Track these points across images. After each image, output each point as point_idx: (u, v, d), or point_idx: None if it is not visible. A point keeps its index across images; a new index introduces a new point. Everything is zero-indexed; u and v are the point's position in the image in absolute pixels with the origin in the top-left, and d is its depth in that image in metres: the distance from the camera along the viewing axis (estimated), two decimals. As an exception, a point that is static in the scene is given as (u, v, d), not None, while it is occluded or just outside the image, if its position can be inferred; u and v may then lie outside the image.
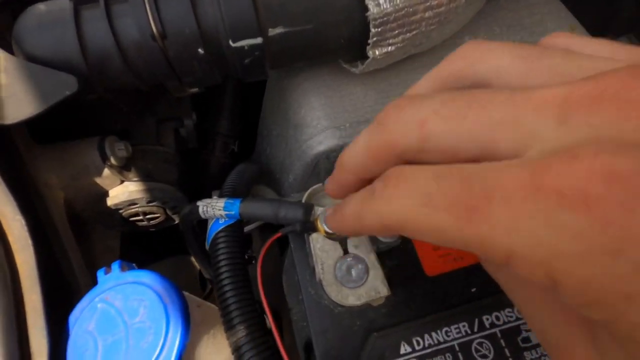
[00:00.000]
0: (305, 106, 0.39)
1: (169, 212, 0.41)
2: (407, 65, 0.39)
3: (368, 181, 0.17)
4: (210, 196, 0.33)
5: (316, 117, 0.37)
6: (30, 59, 0.27)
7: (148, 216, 0.40)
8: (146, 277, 0.24)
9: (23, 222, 0.23)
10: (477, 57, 0.15)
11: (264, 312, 0.27)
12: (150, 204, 0.38)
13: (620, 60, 0.12)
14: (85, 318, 0.23)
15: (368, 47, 0.31)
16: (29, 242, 0.23)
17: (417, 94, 0.16)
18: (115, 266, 0.25)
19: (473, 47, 0.16)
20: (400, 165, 0.15)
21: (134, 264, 0.26)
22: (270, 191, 0.44)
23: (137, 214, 0.39)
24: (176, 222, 0.43)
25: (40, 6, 0.29)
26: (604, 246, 0.09)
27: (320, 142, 0.36)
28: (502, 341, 0.25)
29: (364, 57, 0.33)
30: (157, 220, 0.41)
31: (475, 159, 0.13)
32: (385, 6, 0.29)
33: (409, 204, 0.13)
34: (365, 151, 0.16)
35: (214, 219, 0.32)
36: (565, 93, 0.11)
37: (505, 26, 0.43)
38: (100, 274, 0.25)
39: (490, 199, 0.11)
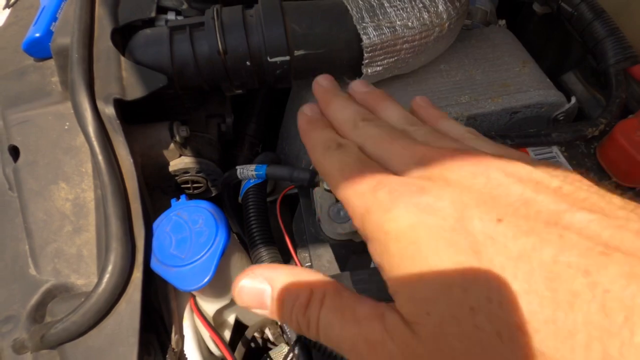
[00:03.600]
0: (317, 109, 0.52)
1: (209, 184, 0.54)
2: (395, 83, 0.53)
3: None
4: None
5: (324, 117, 0.51)
6: (138, 63, 0.42)
7: (194, 185, 0.53)
8: (203, 203, 0.37)
9: (131, 160, 0.36)
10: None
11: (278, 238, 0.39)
12: (198, 175, 0.51)
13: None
14: (164, 224, 0.35)
15: (363, 67, 0.45)
16: (134, 174, 0.36)
17: None
18: (183, 197, 0.38)
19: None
20: None
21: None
22: (286, 173, 0.56)
23: (186, 182, 0.52)
24: (213, 194, 0.56)
25: (147, 30, 0.44)
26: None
27: (326, 134, 0.49)
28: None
29: (360, 74, 0.46)
30: (200, 189, 0.54)
31: None
32: (374, 39, 0.43)
33: None
34: None
35: (247, 180, 0.44)
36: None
37: (473, 59, 0.56)
38: (173, 201, 0.38)
39: None
